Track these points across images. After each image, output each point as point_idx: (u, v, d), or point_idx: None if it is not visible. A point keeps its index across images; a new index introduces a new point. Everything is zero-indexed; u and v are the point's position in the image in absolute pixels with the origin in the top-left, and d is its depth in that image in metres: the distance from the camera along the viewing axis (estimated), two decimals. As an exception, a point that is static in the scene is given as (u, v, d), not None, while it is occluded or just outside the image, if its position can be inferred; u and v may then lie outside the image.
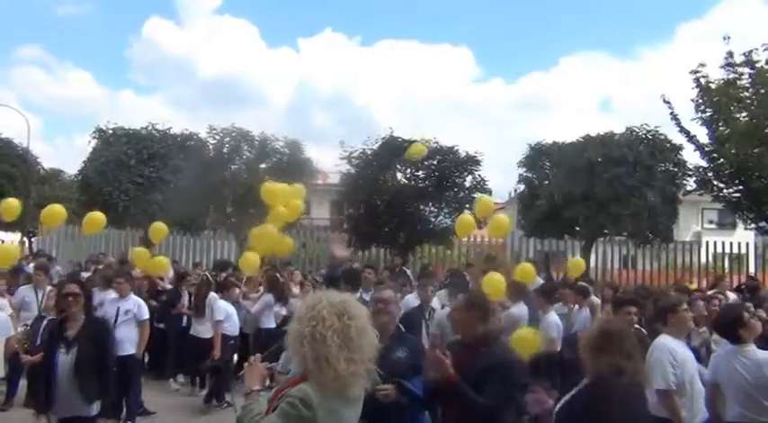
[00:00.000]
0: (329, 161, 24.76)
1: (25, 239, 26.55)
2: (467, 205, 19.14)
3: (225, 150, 20.50)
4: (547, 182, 19.83)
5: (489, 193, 19.78)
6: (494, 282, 6.93)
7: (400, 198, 18.41)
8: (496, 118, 75.41)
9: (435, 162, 18.68)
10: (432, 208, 19.29)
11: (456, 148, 18.83)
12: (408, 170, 18.96)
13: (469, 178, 19.02)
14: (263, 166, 20.79)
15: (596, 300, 8.21)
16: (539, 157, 20.59)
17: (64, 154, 79.09)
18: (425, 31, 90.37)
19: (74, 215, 22.12)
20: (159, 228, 10.24)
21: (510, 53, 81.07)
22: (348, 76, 74.95)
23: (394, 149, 18.48)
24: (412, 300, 7.75)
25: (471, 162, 18.89)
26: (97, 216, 9.68)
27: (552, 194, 18.52)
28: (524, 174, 21.08)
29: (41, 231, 22.72)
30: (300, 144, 21.53)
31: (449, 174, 18.76)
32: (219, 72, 78.49)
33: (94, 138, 21.51)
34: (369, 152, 18.77)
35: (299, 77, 79.27)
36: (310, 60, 79.95)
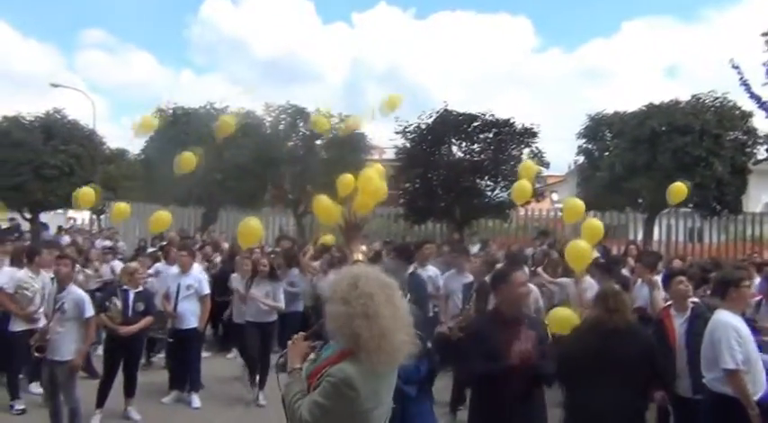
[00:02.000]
0: (384, 136, 24.67)
1: (94, 217, 27.68)
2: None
3: (281, 127, 20.74)
4: (607, 153, 19.24)
5: (547, 165, 19.43)
6: (579, 251, 6.73)
7: (456, 172, 18.25)
8: (555, 88, 73.76)
9: (491, 135, 18.42)
10: (488, 182, 19.07)
11: (512, 120, 18.51)
12: (464, 144, 18.77)
13: (526, 151, 18.69)
14: (318, 142, 20.95)
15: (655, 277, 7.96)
16: (599, 128, 19.97)
17: (128, 134, 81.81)
18: (482, 1, 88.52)
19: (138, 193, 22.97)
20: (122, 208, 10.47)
21: (569, 21, 78.82)
22: (403, 49, 74.44)
23: (449, 123, 18.31)
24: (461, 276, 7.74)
25: (528, 134, 18.54)
26: (122, 207, 10.38)
27: (613, 166, 17.98)
28: (584, 145, 20.52)
29: (108, 209, 23.58)
30: (356, 119, 21.54)
31: (505, 147, 18.47)
32: (275, 50, 79.38)
33: (156, 118, 22.08)
34: (423, 126, 18.65)
35: (354, 53, 79.17)
36: (365, 35, 79.74)
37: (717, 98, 17.87)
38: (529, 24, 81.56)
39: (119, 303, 6.90)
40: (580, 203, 8.03)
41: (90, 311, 6.08)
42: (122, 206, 10.41)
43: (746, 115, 17.54)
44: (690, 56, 71.10)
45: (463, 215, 18.97)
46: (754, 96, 15.85)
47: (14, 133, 20.11)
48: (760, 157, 18.00)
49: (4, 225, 20.08)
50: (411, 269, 7.66)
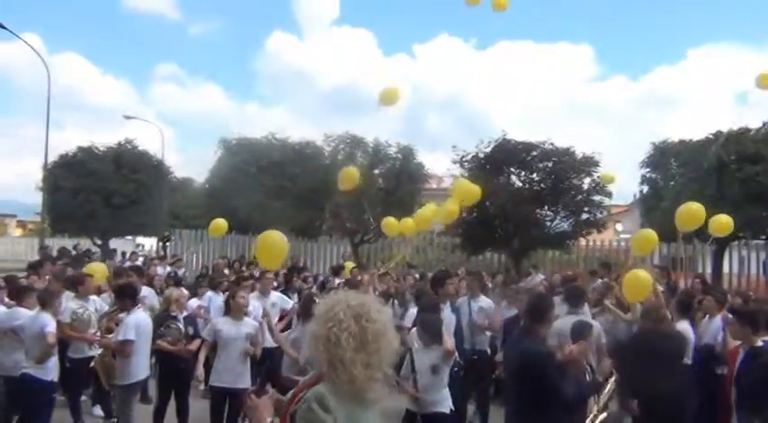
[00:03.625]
0: (443, 165, 24.70)
1: (160, 243, 28.62)
2: (585, 208, 18.41)
3: (340, 157, 21.04)
4: (672, 183, 18.64)
5: (609, 195, 18.95)
6: (638, 281, 6.54)
7: (514, 202, 18.01)
8: (619, 117, 72.29)
9: (551, 164, 18.14)
10: (547, 212, 18.73)
11: (572, 149, 18.20)
12: (522, 173, 18.55)
13: (587, 180, 18.31)
14: (376, 171, 21.14)
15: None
16: (664, 157, 19.40)
17: (195, 164, 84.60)
18: (541, 31, 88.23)
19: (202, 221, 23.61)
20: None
21: (633, 48, 77.37)
22: (463, 79, 74.65)
23: (507, 152, 18.14)
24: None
25: (589, 163, 18.16)
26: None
27: (678, 195, 17.35)
28: (648, 174, 19.97)
29: (174, 236, 24.34)
30: (413, 149, 21.70)
31: (565, 176, 18.14)
32: (338, 81, 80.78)
33: (220, 148, 22.83)
34: (481, 155, 18.54)
35: (415, 83, 79.87)
36: (426, 65, 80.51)
37: (789, 125, 17.11)
38: (591, 52, 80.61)
39: (180, 326, 7.07)
40: (652, 234, 7.65)
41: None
42: (220, 222, 10.89)
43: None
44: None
45: (522, 245, 18.65)
46: (830, 123, 15.14)
47: (88, 163, 21.13)
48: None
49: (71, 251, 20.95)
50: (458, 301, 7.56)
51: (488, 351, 7.89)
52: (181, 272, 13.01)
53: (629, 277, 6.67)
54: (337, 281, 11.15)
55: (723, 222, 9.13)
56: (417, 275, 13.72)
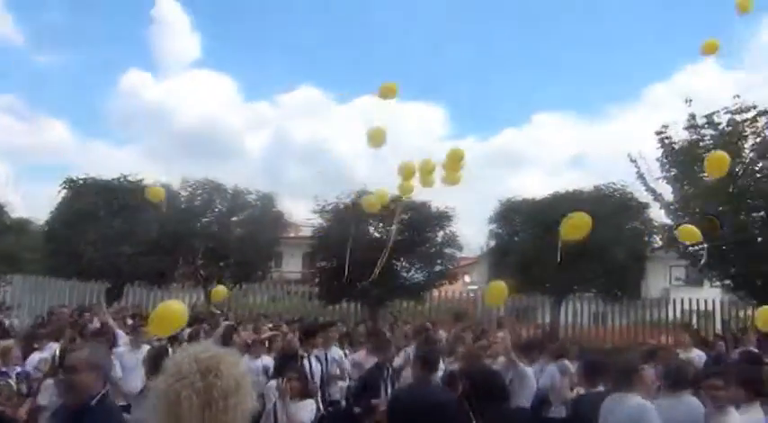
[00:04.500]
0: (302, 214, 24.73)
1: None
2: (438, 260, 19.24)
3: (197, 202, 20.44)
4: (517, 238, 20.04)
5: (460, 248, 19.96)
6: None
7: (373, 252, 18.40)
8: (470, 174, 76.46)
9: (407, 217, 18.82)
10: (404, 263, 19.33)
11: (428, 203, 19.05)
12: (381, 225, 19.06)
13: (441, 233, 19.19)
14: (234, 218, 20.75)
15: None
16: (509, 213, 20.85)
17: (34, 204, 77.90)
18: (403, 89, 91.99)
19: (39, 265, 21.72)
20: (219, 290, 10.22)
21: (483, 111, 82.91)
22: (325, 130, 75.74)
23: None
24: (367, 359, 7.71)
25: (443, 217, 19.07)
26: (220, 290, 10.10)
27: (522, 251, 18.69)
28: (495, 230, 21.29)
29: (4, 282, 22.16)
30: (273, 197, 21.60)
31: (420, 229, 18.89)
32: (194, 124, 78.65)
33: (64, 188, 21.29)
34: (342, 206, 18.87)
35: (276, 131, 79.79)
36: (287, 115, 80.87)
37: (617, 189, 19.13)
38: (444, 113, 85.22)
39: (12, 383, 6.41)
40: (503, 286, 8.08)
41: None
42: (221, 290, 10.12)
43: (644, 206, 18.79)
44: (593, 148, 76.03)
45: (378, 296, 19.01)
46: (649, 189, 17.08)
47: None
48: (656, 246, 19.20)
49: None
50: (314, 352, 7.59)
51: (342, 402, 7.93)
52: (12, 322, 11.82)
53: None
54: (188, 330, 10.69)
55: (690, 231, 9.35)
56: (271, 325, 13.49)
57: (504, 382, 4.77)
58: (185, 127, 79.64)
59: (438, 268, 19.62)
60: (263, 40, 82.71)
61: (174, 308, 5.03)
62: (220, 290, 10.05)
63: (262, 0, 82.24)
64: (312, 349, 7.54)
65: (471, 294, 23.59)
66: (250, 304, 21.62)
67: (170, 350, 6.54)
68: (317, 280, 20.39)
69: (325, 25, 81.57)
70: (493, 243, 21.69)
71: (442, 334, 11.52)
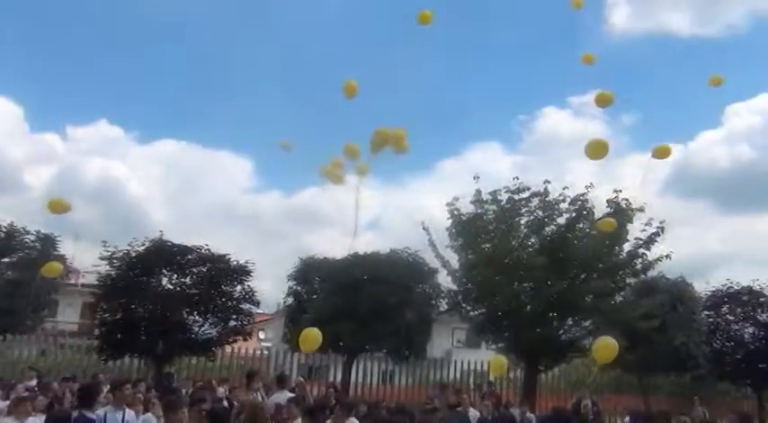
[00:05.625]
0: (88, 260, 22.63)
1: None
2: (233, 316, 18.74)
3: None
4: (315, 296, 20.29)
5: (257, 304, 19.66)
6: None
7: (163, 305, 17.47)
8: (271, 229, 76.13)
9: (205, 270, 18.22)
10: (197, 317, 18.52)
11: (228, 256, 18.61)
12: (175, 276, 18.20)
13: (239, 288, 18.78)
14: (6, 260, 18.56)
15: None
16: (309, 271, 21.09)
17: None
18: (207, 135, 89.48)
19: None
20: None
21: (288, 166, 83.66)
22: (121, 170, 70.85)
23: (162, 254, 17.73)
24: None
25: (242, 272, 18.72)
26: None
27: (319, 309, 18.92)
28: (294, 287, 21.36)
29: None
30: (54, 239, 19.69)
31: (218, 282, 18.36)
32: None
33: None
34: (134, 254, 17.72)
35: (64, 167, 72.97)
36: (79, 149, 74.70)
37: (410, 254, 20.31)
38: (250, 164, 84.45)
39: None
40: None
41: None
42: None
43: (433, 271, 20.10)
44: (390, 212, 79.94)
45: (166, 351, 17.91)
46: (438, 256, 18.35)
47: None
48: (442, 309, 20.56)
49: None
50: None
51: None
52: None
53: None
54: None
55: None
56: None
57: None
58: (-46, 152, 69.92)
59: (233, 324, 19.07)
60: (61, 67, 76.51)
61: None
62: None
63: (65, 20, 76.28)
64: (88, 410, 6.85)
65: (265, 352, 23.22)
66: (15, 358, 19.17)
67: None
68: (96, 332, 18.71)
69: (136, 60, 77.82)
70: (290, 300, 21.72)
71: (221, 391, 11.00)
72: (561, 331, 16.91)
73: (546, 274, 15.74)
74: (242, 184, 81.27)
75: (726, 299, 21.72)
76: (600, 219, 15.44)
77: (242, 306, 19.02)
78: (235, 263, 18.63)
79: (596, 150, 8.14)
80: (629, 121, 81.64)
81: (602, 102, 8.77)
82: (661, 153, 9.08)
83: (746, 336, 21.68)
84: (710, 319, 21.75)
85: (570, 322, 16.97)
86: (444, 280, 19.58)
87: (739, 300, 21.50)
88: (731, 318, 21.91)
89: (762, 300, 21.41)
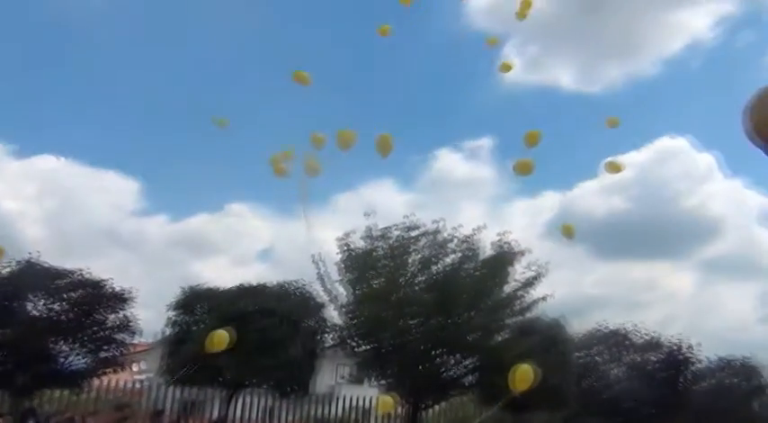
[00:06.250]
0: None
1: None
2: (104, 347, 17.64)
3: None
4: (196, 327, 19.49)
5: (135, 333, 18.66)
6: None
7: (28, 332, 16.16)
8: (155, 255, 72.70)
9: (77, 295, 17.11)
10: (64, 347, 17.27)
11: (105, 282, 17.58)
12: (43, 302, 16.95)
13: (113, 316, 17.75)
14: None
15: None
16: (193, 301, 20.28)
17: None
18: (91, 155, 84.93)
19: None
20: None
21: (178, 191, 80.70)
22: (-3, 186, 65.19)
23: (31, 276, 16.50)
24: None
25: (119, 299, 17.73)
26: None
27: (201, 340, 18.18)
28: (174, 317, 20.44)
29: None
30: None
31: (91, 309, 17.28)
32: None
33: None
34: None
35: None
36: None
37: (298, 287, 20.06)
38: (137, 187, 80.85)
39: None
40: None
41: None
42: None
43: (321, 305, 19.95)
44: (282, 244, 78.87)
45: (27, 382, 16.51)
46: (327, 290, 18.32)
47: None
48: (327, 344, 20.38)
49: None
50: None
51: None
52: None
53: None
54: None
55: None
56: None
57: None
58: None
59: (104, 355, 17.92)
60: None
61: None
62: None
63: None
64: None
65: (140, 385, 21.95)
66: None
67: None
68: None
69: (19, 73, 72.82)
70: (170, 330, 20.76)
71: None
72: (443, 369, 17.25)
73: (433, 311, 16.09)
74: (129, 207, 77.45)
75: (596, 341, 23.06)
76: (485, 258, 16.12)
77: (115, 336, 17.96)
78: (111, 289, 17.62)
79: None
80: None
81: (522, 170, 9.21)
82: (613, 169, 9.89)
83: (614, 376, 23.07)
84: (581, 360, 22.95)
85: (452, 361, 17.37)
86: (331, 315, 19.54)
87: (608, 342, 22.90)
88: (599, 360, 23.26)
89: (626, 343, 22.95)
